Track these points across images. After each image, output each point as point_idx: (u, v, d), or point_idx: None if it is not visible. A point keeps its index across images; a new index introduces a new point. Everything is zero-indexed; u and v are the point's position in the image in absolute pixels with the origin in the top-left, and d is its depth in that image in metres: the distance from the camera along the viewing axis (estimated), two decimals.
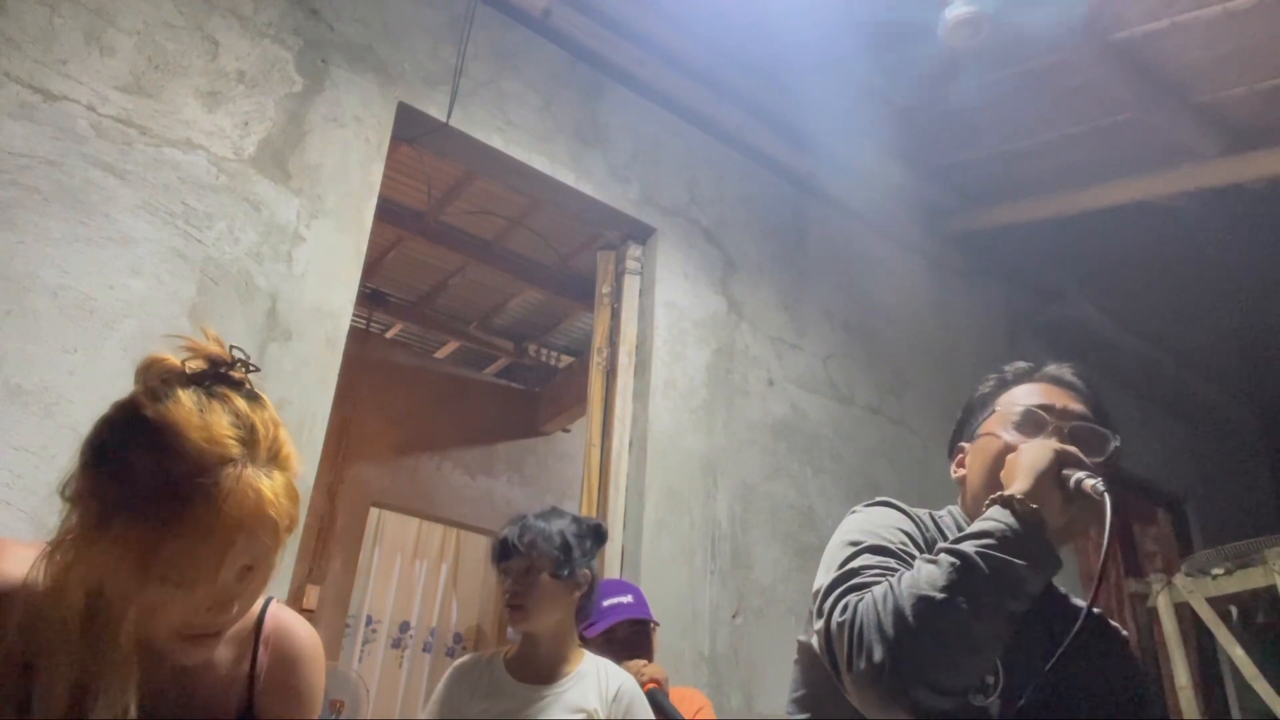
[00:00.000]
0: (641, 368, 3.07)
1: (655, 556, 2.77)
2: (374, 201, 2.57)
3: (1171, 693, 4.19)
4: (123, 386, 2.06)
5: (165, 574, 0.81)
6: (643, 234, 3.27)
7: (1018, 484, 1.00)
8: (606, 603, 2.15)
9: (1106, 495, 0.96)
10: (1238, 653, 3.74)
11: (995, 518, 0.98)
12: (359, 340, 4.96)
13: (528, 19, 3.10)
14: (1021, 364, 1.26)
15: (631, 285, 3.21)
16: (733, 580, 2.92)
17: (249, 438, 0.87)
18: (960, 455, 1.25)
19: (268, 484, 0.86)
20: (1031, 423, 1.14)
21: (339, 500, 5.05)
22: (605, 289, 3.27)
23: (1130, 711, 1.11)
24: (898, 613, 0.92)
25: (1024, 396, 1.19)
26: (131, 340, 2.03)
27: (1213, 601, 3.92)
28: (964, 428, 1.27)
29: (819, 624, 1.02)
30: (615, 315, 3.19)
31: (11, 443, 1.83)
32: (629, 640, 2.13)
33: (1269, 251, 4.67)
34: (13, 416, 1.84)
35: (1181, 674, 3.91)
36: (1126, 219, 4.11)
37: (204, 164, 2.27)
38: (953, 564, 0.94)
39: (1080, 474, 0.99)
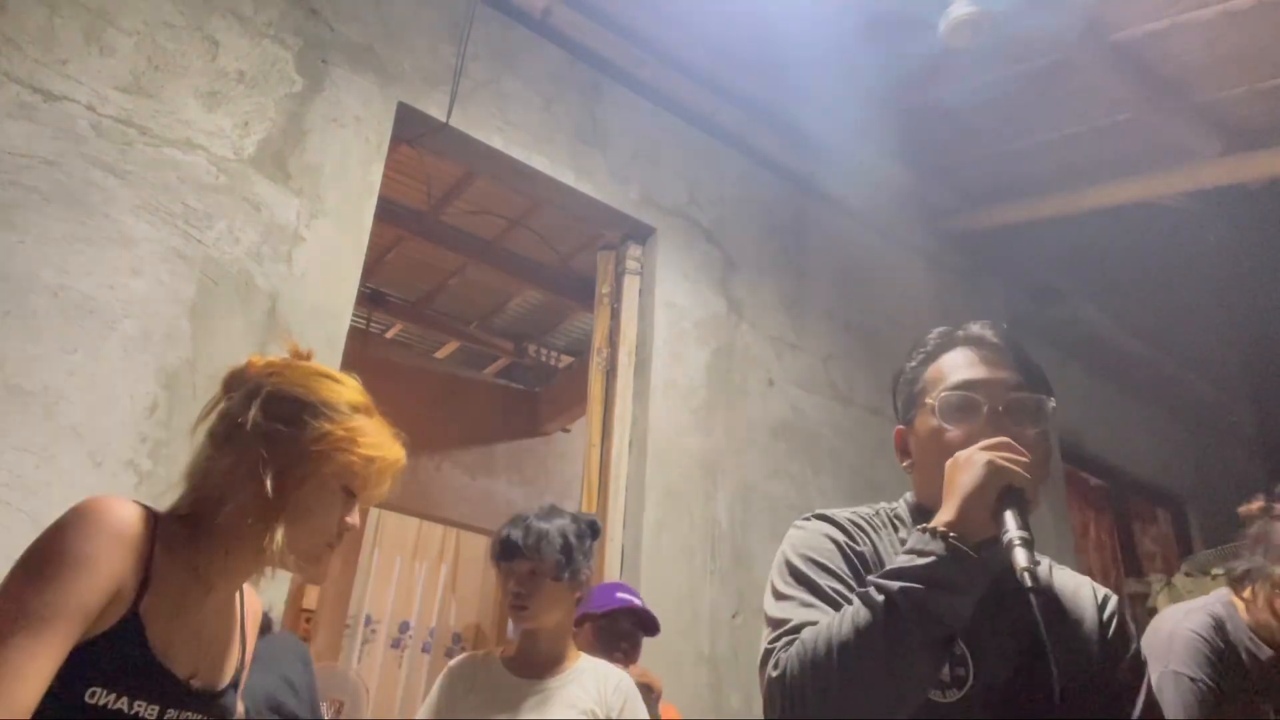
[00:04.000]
0: (641, 368, 3.07)
1: (655, 556, 2.77)
2: (374, 201, 2.56)
3: None
4: (123, 386, 2.06)
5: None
6: (643, 234, 3.27)
7: (945, 513, 0.95)
8: (619, 594, 2.26)
9: (1034, 590, 0.88)
10: None
11: (920, 548, 0.94)
12: (359, 340, 4.96)
13: (528, 19, 3.10)
14: (939, 330, 1.18)
15: (631, 285, 3.21)
16: (733, 580, 2.92)
17: None
18: (901, 442, 1.19)
19: None
20: (964, 408, 1.08)
21: None
22: (605, 289, 3.27)
23: (1117, 677, 1.07)
24: (824, 662, 0.92)
25: (951, 372, 1.11)
26: (131, 340, 2.03)
27: None
28: (900, 411, 1.20)
29: (762, 685, 1.01)
30: (615, 315, 3.19)
31: (11, 443, 1.83)
32: (627, 634, 2.20)
33: (1269, 251, 4.67)
34: (13, 416, 1.84)
35: None
36: (1126, 219, 4.11)
37: (204, 164, 2.27)
38: (876, 603, 0.92)
39: (1016, 534, 0.91)
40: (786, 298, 3.56)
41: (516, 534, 1.84)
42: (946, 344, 1.15)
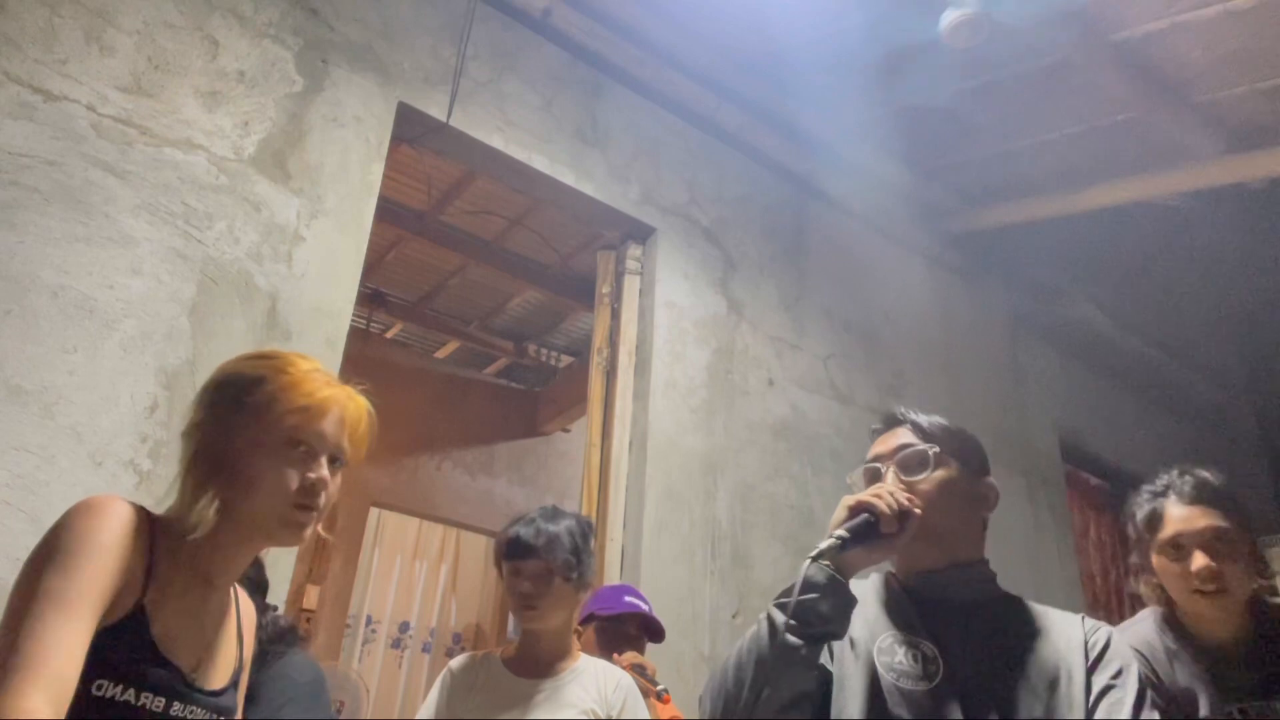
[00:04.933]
0: (641, 368, 3.07)
1: (655, 556, 2.77)
2: (374, 201, 2.56)
3: None
4: (123, 386, 2.06)
5: None
6: (643, 234, 3.27)
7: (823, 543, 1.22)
8: (627, 598, 2.25)
9: (812, 560, 1.18)
10: None
11: (801, 570, 1.20)
12: (359, 340, 4.96)
13: (528, 19, 3.10)
14: (875, 425, 1.47)
15: (631, 285, 3.21)
16: (733, 580, 2.92)
17: None
18: None
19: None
20: (871, 477, 1.37)
21: (339, 500, 5.04)
22: (605, 289, 3.27)
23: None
24: (722, 670, 1.19)
25: (870, 452, 1.41)
26: (131, 340, 2.03)
27: None
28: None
29: None
30: (615, 315, 3.19)
31: (11, 443, 1.83)
32: (632, 639, 2.18)
33: (1269, 251, 4.67)
34: (13, 416, 1.84)
35: None
36: (1126, 219, 4.11)
37: (204, 164, 2.27)
38: (762, 619, 1.18)
39: (837, 531, 1.19)
40: (786, 298, 3.56)
41: (528, 534, 1.84)
42: (872, 436, 1.44)
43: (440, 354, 5.74)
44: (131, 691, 0.95)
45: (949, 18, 2.82)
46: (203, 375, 2.05)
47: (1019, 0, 2.88)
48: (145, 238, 2.12)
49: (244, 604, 1.20)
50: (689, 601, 2.79)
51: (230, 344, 2.15)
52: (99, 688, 0.93)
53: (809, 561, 1.18)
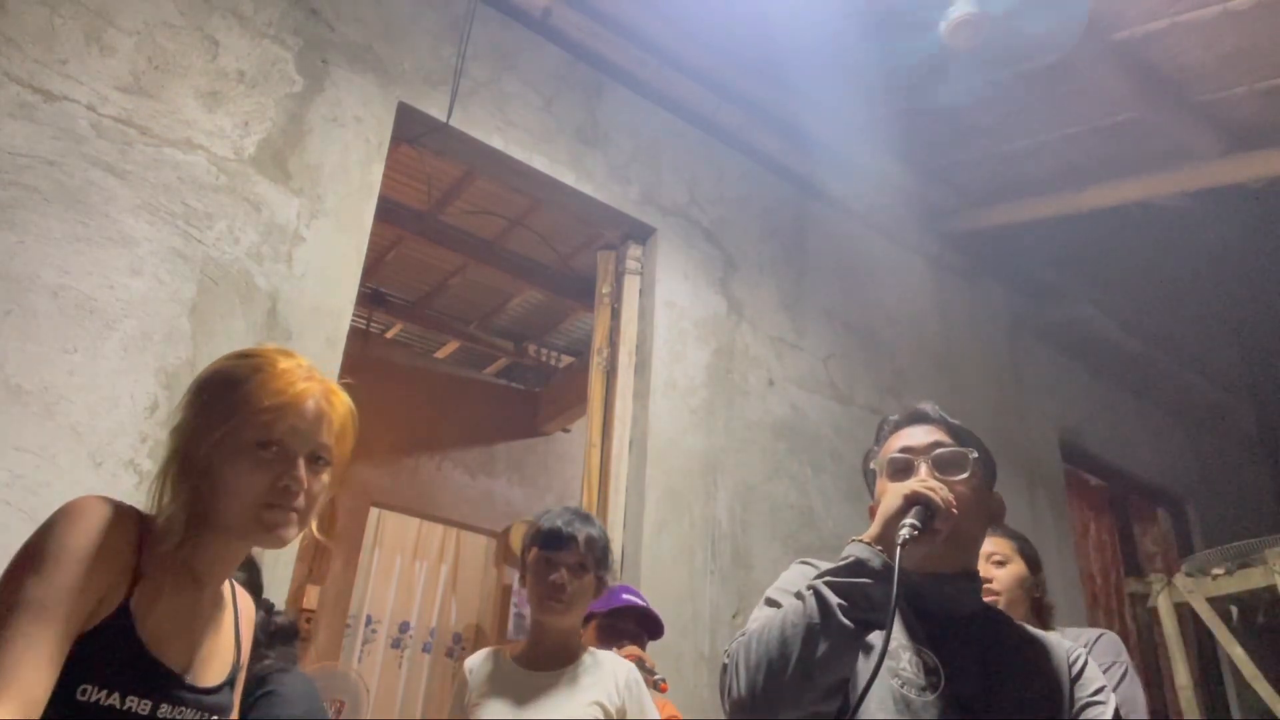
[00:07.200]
0: (641, 368, 3.07)
1: (655, 556, 2.77)
2: (374, 201, 2.57)
3: (1171, 692, 4.19)
4: (123, 386, 2.06)
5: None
6: (643, 234, 3.27)
7: (871, 529, 1.20)
8: (625, 595, 2.27)
9: (899, 547, 1.13)
10: (1238, 652, 3.74)
11: (845, 554, 1.18)
12: (359, 340, 4.96)
13: (528, 19, 3.10)
14: (894, 416, 1.45)
15: (631, 285, 3.21)
16: (733, 580, 2.92)
17: None
18: (871, 516, 1.40)
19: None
20: (901, 467, 1.34)
21: (339, 500, 5.05)
22: (605, 289, 3.27)
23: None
24: (759, 643, 1.15)
25: (894, 443, 1.38)
26: (131, 340, 2.03)
27: (1213, 601, 3.92)
28: (870, 492, 1.47)
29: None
30: (615, 315, 3.19)
31: (12, 443, 1.83)
32: (631, 634, 2.20)
33: (1269, 251, 4.68)
34: (13, 416, 1.84)
35: (1181, 674, 3.92)
36: (1126, 219, 4.11)
37: (204, 164, 2.27)
38: (805, 595, 1.15)
39: (906, 521, 1.16)
40: (786, 298, 3.56)
41: (567, 526, 1.87)
42: (897, 425, 1.42)
43: (440, 354, 5.74)
44: (116, 695, 0.94)
45: (949, 18, 2.82)
46: None
47: (1019, 0, 2.88)
48: (145, 238, 2.12)
49: (242, 601, 1.19)
50: (689, 601, 2.80)
51: (230, 344, 2.15)
52: (83, 692, 0.92)
53: (860, 544, 1.17)
